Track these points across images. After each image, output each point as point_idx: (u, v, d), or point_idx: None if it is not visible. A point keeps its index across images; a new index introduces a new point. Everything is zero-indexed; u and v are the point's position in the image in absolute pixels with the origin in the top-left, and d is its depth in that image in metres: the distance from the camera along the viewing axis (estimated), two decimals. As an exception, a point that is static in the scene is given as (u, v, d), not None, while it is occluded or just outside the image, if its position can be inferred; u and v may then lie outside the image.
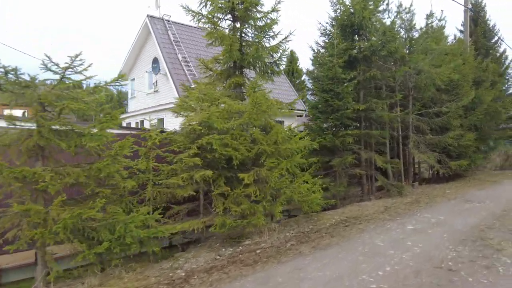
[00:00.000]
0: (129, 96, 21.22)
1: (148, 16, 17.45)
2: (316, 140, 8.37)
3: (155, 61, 17.23)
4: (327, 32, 10.61)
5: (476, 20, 34.13)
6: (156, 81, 17.14)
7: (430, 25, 11.79)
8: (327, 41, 10.53)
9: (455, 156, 12.30)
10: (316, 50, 10.75)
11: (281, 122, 19.62)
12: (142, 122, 17.25)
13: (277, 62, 8.35)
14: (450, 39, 18.03)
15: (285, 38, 8.09)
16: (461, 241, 5.27)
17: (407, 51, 11.57)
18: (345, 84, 8.86)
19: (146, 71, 18.15)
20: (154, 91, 17.20)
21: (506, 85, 34.19)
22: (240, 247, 5.36)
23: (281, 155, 6.19)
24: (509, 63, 33.80)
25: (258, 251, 5.11)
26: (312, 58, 11.49)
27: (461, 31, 35.90)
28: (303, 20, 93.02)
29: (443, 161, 10.80)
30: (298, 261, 4.69)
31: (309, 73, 12.01)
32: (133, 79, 20.07)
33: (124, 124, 18.39)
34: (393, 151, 11.17)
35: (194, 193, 5.52)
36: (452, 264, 4.37)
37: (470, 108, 12.91)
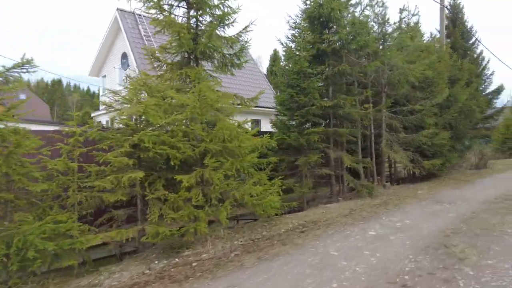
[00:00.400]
0: (101, 93, 20.21)
1: (118, 9, 16.53)
2: (279, 137, 7.76)
3: (124, 56, 16.33)
4: (297, 25, 10.02)
5: (455, 21, 34.37)
6: (126, 77, 16.25)
7: (403, 19, 11.36)
8: (296, 34, 9.93)
9: (430, 155, 11.93)
10: (285, 44, 10.14)
11: (258, 121, 19.09)
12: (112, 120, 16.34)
13: (238, 54, 7.69)
14: (427, 36, 17.64)
15: (245, 28, 7.44)
16: (423, 249, 4.72)
17: (381, 46, 11.12)
18: (311, 79, 8.27)
19: (115, 67, 17.21)
20: (124, 88, 16.29)
21: (483, 86, 34.79)
22: (177, 259, 4.66)
23: (231, 154, 5.53)
24: (486, 64, 34.30)
25: (194, 264, 4.43)
26: (283, 53, 10.91)
27: (439, 31, 36.19)
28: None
29: (417, 160, 10.37)
30: (237, 276, 4.03)
31: (280, 69, 11.42)
32: (104, 76, 19.08)
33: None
34: (366, 150, 10.68)
35: (125, 198, 4.80)
36: (409, 278, 3.79)
37: (445, 106, 12.58)
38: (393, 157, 9.85)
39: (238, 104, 7.20)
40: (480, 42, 34.66)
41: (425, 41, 14.71)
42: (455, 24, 34.66)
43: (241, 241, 5.28)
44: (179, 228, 4.69)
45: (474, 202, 7.66)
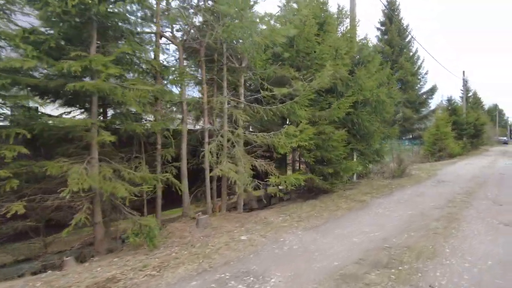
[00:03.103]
0: None
1: None
2: None
3: None
4: None
5: (391, 18, 32.10)
6: None
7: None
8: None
9: (318, 162, 7.94)
10: None
11: None
12: None
13: None
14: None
15: None
16: None
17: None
18: None
19: None
20: None
21: (419, 85, 32.79)
22: None
23: None
24: (421, 63, 32.29)
25: None
26: None
27: (378, 29, 33.83)
28: None
29: (271, 173, 6.19)
30: None
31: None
32: None
33: None
34: (197, 158, 6.35)
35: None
36: None
37: (341, 94, 8.70)
38: (221, 171, 5.52)
39: None
40: (414, 39, 32.66)
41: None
42: (391, 21, 32.41)
43: None
44: None
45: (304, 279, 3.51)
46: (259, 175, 6.33)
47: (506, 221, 5.53)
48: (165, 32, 6.23)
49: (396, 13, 32.01)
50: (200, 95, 7.05)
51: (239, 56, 6.90)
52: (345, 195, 8.01)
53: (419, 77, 31.65)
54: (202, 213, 5.84)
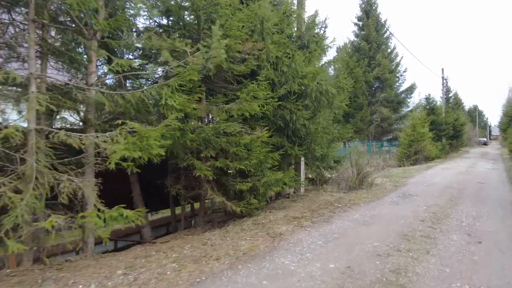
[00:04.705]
0: None
1: None
2: None
3: None
4: None
5: (368, 12, 29.94)
6: None
7: None
8: None
9: (227, 175, 5.43)
10: None
11: None
12: None
13: None
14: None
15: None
16: None
17: None
18: None
19: None
20: None
21: (397, 83, 30.70)
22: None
23: None
24: (400, 60, 30.17)
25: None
26: None
27: (355, 24, 31.58)
28: None
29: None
30: None
31: None
32: None
33: None
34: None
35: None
36: None
37: (271, 82, 6.20)
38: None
39: None
40: (392, 35, 30.61)
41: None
42: (368, 15, 30.23)
43: None
44: None
45: None
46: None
47: (489, 284, 3.10)
48: None
49: (374, 8, 29.88)
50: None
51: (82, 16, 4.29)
52: (264, 222, 5.47)
53: (397, 75, 29.51)
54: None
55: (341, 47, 27.00)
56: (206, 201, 5.90)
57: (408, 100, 28.44)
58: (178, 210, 7.03)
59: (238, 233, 5.02)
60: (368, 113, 26.98)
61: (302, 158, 8.45)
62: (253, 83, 5.49)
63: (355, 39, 29.62)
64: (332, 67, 11.11)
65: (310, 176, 9.77)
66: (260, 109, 5.84)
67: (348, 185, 9.10)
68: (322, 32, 8.16)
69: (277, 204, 7.27)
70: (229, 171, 5.84)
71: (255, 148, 5.57)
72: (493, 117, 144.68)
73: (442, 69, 28.38)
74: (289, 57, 6.69)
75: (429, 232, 4.84)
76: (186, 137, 4.72)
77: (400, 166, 17.63)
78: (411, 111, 27.06)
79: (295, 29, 8.49)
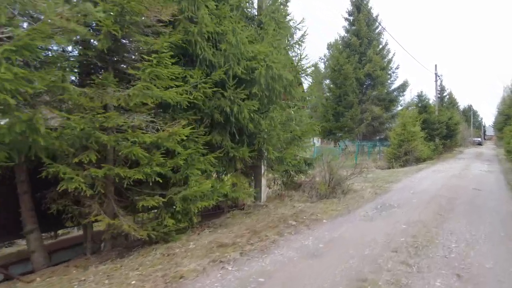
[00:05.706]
0: None
1: None
2: None
3: None
4: None
5: (359, 6, 28.40)
6: None
7: None
8: None
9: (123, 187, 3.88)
10: None
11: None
12: None
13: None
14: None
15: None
16: None
17: None
18: None
19: None
20: None
21: (389, 81, 29.17)
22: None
23: None
24: (392, 57, 28.62)
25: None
26: None
27: (345, 19, 30.00)
28: None
29: None
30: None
31: None
32: None
33: None
34: None
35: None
36: None
37: (205, 64, 4.63)
38: None
39: None
40: (385, 30, 29.05)
41: None
42: (359, 9, 28.69)
43: None
44: None
45: None
46: None
47: None
48: None
49: (365, 2, 28.35)
50: None
51: None
52: (176, 253, 3.88)
53: (389, 72, 27.93)
54: None
55: (332, 43, 25.37)
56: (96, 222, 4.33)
57: (400, 98, 26.97)
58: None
59: (131, 271, 3.44)
60: (359, 112, 25.52)
61: (264, 162, 6.90)
62: (158, 59, 3.90)
63: (346, 34, 28.11)
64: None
65: (279, 181, 8.22)
66: (186, 97, 4.29)
67: (318, 193, 7.54)
68: (283, 7, 6.58)
69: (222, 220, 5.71)
70: (139, 182, 4.25)
71: (177, 149, 4.00)
72: (488, 117, 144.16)
73: (436, 65, 26.81)
74: (233, 34, 5.11)
75: (401, 273, 3.27)
76: (37, 135, 3.12)
77: (390, 168, 16.14)
78: (402, 110, 25.54)
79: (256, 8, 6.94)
